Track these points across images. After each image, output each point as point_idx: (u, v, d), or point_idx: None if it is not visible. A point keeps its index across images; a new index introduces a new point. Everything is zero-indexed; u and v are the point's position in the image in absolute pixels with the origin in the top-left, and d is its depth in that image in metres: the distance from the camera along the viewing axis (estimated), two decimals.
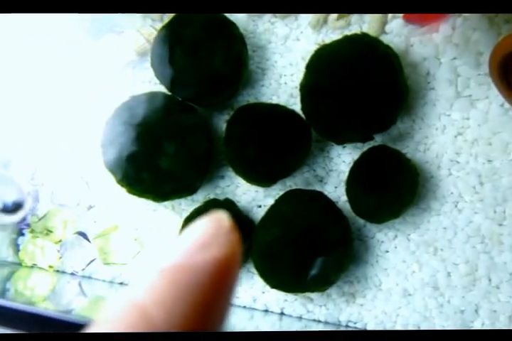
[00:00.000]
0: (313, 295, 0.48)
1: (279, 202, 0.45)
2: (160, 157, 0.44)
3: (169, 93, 0.47)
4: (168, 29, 0.44)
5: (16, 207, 0.49)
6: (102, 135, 0.46)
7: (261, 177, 0.45)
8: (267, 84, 0.50)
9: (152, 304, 0.14)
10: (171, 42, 0.44)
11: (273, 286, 0.44)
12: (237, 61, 0.45)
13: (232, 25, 0.45)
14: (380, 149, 0.44)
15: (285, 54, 0.50)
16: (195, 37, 0.44)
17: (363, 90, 0.42)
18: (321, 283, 0.43)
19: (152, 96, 0.45)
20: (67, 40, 0.52)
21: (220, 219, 0.16)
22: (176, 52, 0.44)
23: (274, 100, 0.50)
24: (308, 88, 0.44)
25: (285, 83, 0.50)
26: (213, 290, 0.15)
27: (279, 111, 0.45)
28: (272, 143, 0.44)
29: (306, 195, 0.45)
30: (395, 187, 0.43)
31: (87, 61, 0.52)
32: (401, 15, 0.46)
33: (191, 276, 0.15)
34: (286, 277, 0.43)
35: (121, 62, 0.50)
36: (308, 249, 0.43)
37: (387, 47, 0.42)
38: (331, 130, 0.44)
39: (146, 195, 0.46)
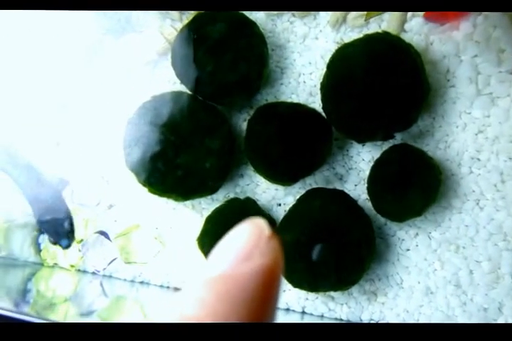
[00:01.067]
0: (335, 293, 0.48)
1: (301, 200, 0.45)
2: (181, 157, 0.44)
3: (190, 92, 0.47)
4: (190, 29, 0.45)
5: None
6: (124, 135, 0.46)
7: (283, 176, 0.46)
8: (286, 82, 0.50)
9: (206, 318, 0.14)
10: (194, 42, 0.44)
11: (295, 286, 0.44)
12: (258, 60, 0.45)
13: (253, 24, 0.45)
14: (401, 147, 0.44)
15: (304, 53, 0.50)
16: (217, 37, 0.44)
17: (385, 89, 0.42)
18: (343, 283, 0.43)
19: (174, 95, 0.45)
20: (87, 39, 0.52)
21: (259, 225, 0.16)
22: (198, 51, 0.44)
23: (294, 99, 0.50)
24: (329, 87, 0.44)
25: (304, 82, 0.50)
26: (262, 300, 0.15)
27: (300, 110, 0.45)
28: (294, 142, 0.44)
29: (328, 194, 0.45)
30: (418, 185, 0.43)
31: (108, 60, 0.52)
32: (421, 13, 0.46)
33: (240, 287, 0.15)
34: (309, 276, 0.43)
35: (141, 61, 0.50)
36: (331, 248, 0.43)
37: (409, 46, 0.42)
38: (353, 129, 0.44)
39: (168, 195, 0.46)
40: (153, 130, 0.44)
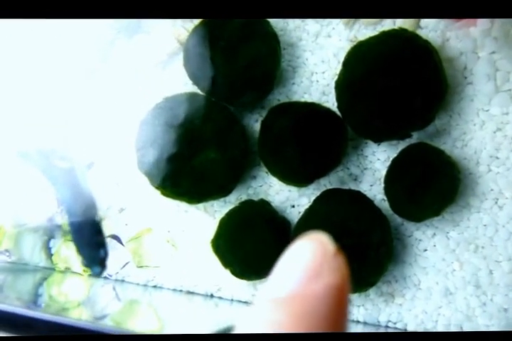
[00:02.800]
0: (351, 295, 0.47)
1: (317, 202, 0.45)
2: (195, 159, 0.44)
3: (202, 93, 0.46)
4: (203, 29, 0.44)
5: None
6: (136, 137, 0.45)
7: (298, 177, 0.45)
8: (298, 82, 0.50)
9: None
10: (207, 42, 0.43)
11: None
12: (271, 59, 0.44)
13: (266, 23, 0.44)
14: (419, 146, 0.44)
15: (316, 51, 0.49)
16: (230, 36, 0.43)
17: (402, 87, 0.41)
18: (362, 285, 0.43)
19: (186, 97, 0.45)
20: (98, 41, 0.51)
21: (323, 241, 0.16)
22: (211, 52, 0.43)
23: (306, 98, 0.49)
24: (345, 85, 0.43)
25: (317, 81, 0.49)
26: (335, 318, 0.15)
27: (315, 110, 0.44)
28: (309, 143, 0.43)
29: (345, 195, 0.44)
30: (436, 185, 0.42)
31: (118, 61, 0.52)
32: None
33: (312, 307, 0.14)
34: None
35: (152, 62, 0.49)
36: (349, 250, 0.42)
37: (427, 43, 0.41)
38: (369, 128, 0.43)
39: (181, 197, 0.46)
40: (166, 131, 0.43)
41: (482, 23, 0.44)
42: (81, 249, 0.44)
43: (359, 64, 0.42)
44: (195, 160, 0.44)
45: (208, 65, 0.44)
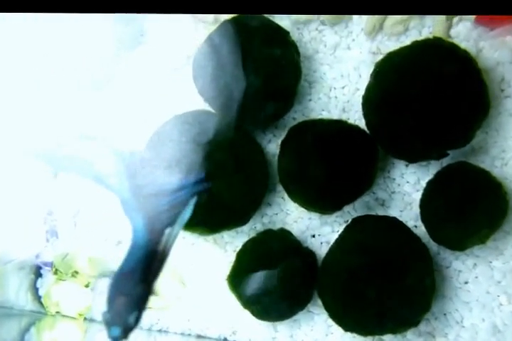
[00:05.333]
0: (386, 336, 0.42)
1: (349, 230, 0.40)
2: (211, 184, 0.38)
3: (214, 111, 0.41)
4: (214, 41, 0.39)
5: None
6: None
7: (324, 204, 0.40)
8: (316, 98, 0.45)
9: None
10: (221, 55, 0.38)
11: (347, 329, 0.38)
12: (293, 73, 0.40)
13: (286, 34, 0.40)
14: (459, 166, 0.39)
15: (335, 65, 0.45)
16: (248, 48, 0.39)
17: (441, 101, 0.37)
18: (406, 324, 0.37)
19: (198, 115, 0.40)
20: (99, 53, 0.47)
21: None
22: (225, 65, 0.38)
23: (324, 116, 0.45)
24: (375, 100, 0.39)
25: (335, 97, 0.45)
26: None
27: (342, 128, 0.40)
28: (336, 164, 0.39)
29: (379, 222, 0.39)
30: (481, 208, 0.38)
31: (121, 75, 0.47)
32: (469, 17, 0.41)
33: None
34: (363, 318, 0.37)
35: (158, 75, 0.45)
36: (388, 284, 0.37)
37: (466, 53, 0.37)
38: (403, 147, 0.39)
39: (193, 228, 0.40)
40: (176, 155, 0.38)
41: None
42: (111, 300, 0.35)
43: (391, 76, 0.38)
44: (211, 186, 0.38)
45: (219, 80, 0.39)
